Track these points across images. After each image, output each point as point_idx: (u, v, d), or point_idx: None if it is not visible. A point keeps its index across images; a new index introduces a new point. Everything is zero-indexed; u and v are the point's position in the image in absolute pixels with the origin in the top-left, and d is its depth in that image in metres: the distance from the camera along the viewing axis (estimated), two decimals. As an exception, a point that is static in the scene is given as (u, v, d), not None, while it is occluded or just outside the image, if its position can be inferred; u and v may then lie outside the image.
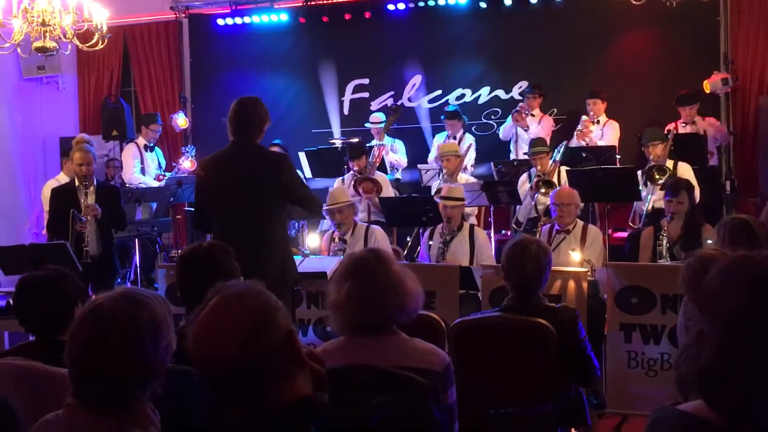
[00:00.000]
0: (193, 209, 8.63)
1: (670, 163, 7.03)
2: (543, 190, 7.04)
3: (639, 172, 6.99)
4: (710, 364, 1.54)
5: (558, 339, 3.38)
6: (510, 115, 8.61)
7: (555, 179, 7.25)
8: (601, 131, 8.32)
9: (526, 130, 8.47)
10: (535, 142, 7.60)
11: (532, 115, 8.60)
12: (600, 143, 8.21)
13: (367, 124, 9.07)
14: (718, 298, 1.59)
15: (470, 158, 8.52)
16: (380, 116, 9.07)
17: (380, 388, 1.90)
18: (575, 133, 8.26)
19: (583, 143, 8.19)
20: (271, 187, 4.45)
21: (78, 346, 1.80)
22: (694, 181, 6.50)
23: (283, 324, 1.67)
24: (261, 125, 4.53)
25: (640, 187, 6.80)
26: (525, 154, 7.85)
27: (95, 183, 6.31)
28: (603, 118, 8.44)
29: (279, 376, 1.64)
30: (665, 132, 7.41)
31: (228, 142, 4.63)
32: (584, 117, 8.41)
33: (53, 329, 2.89)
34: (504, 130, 8.84)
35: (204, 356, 1.63)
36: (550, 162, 7.37)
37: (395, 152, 8.99)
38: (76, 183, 6.22)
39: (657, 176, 6.77)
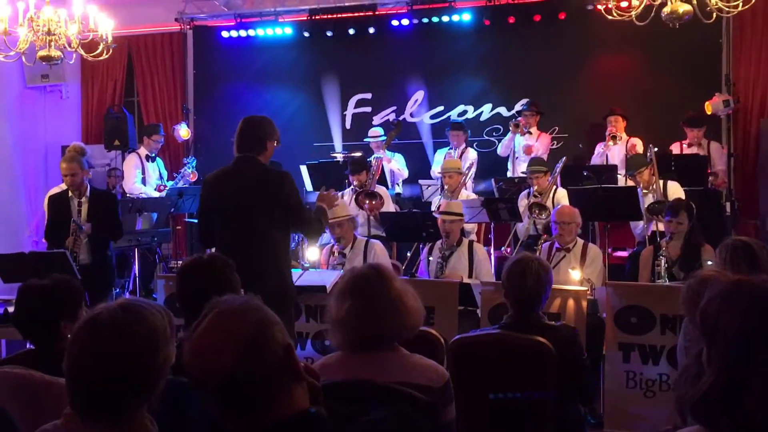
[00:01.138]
0: (194, 220, 8.68)
1: (659, 183, 7.00)
2: (536, 213, 7.07)
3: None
4: (710, 390, 1.54)
5: (557, 357, 3.37)
6: (509, 132, 8.66)
7: (550, 198, 7.29)
8: (626, 147, 8.30)
9: (523, 135, 8.49)
10: (533, 161, 7.66)
11: (530, 133, 8.63)
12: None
13: (367, 139, 9.10)
14: (716, 322, 1.58)
15: (470, 173, 8.56)
16: (379, 131, 9.12)
17: (379, 403, 1.90)
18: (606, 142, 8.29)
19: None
20: (270, 204, 4.45)
21: (74, 355, 1.80)
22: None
23: (281, 338, 1.67)
24: (264, 142, 4.52)
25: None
26: (523, 172, 7.86)
27: (89, 192, 6.30)
28: (624, 135, 8.41)
29: (277, 390, 1.64)
30: (645, 154, 7.35)
31: (230, 154, 4.64)
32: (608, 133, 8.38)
33: (52, 338, 2.88)
34: (502, 147, 8.87)
35: (201, 370, 1.63)
36: (549, 178, 7.40)
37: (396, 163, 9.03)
38: (69, 193, 6.23)
39: (659, 212, 6.70)
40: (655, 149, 7.02)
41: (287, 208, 4.47)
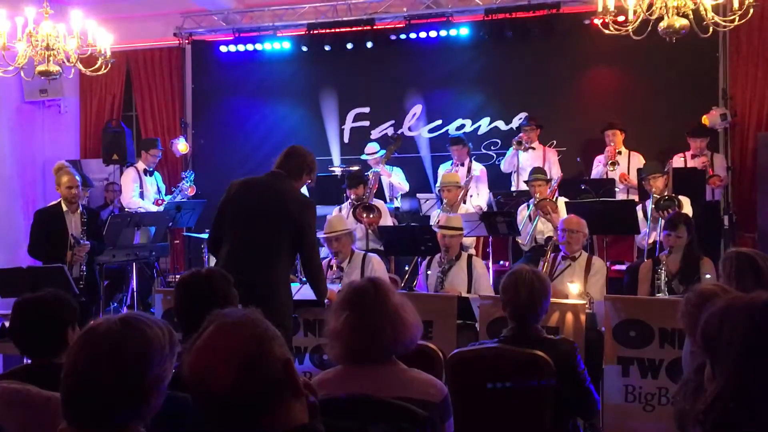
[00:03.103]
0: (192, 234, 8.66)
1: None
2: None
3: (639, 207, 6.99)
4: (716, 403, 1.54)
5: (556, 371, 3.36)
6: (510, 147, 8.66)
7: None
8: (628, 162, 8.31)
9: (525, 151, 8.51)
10: (534, 170, 7.69)
11: (533, 148, 8.63)
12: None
13: (364, 156, 9.10)
14: (719, 338, 1.59)
15: (483, 192, 8.60)
16: (375, 146, 9.12)
17: (377, 418, 1.89)
18: (605, 162, 8.29)
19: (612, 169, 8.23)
20: (288, 223, 4.47)
21: (68, 367, 1.79)
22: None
23: (280, 353, 1.66)
24: (301, 172, 4.62)
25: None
26: (525, 182, 7.89)
27: (81, 207, 6.33)
28: (623, 149, 8.45)
29: (276, 405, 1.63)
30: (663, 167, 7.42)
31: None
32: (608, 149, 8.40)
33: (48, 352, 2.87)
34: (505, 163, 8.85)
35: (200, 385, 1.62)
36: (548, 190, 7.44)
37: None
38: (64, 207, 6.22)
39: (667, 207, 6.71)
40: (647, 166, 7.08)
41: (301, 235, 4.50)
